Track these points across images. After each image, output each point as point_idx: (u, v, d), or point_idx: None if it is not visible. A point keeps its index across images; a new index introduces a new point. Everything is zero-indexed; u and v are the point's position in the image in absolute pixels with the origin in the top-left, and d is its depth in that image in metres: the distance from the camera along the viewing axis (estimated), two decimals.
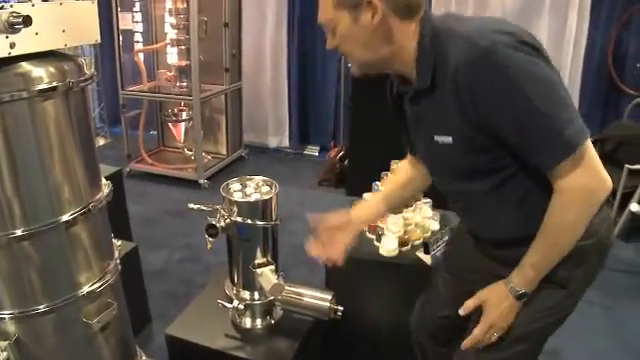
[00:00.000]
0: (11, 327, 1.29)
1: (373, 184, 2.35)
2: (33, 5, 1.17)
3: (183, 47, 4.14)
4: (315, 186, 4.48)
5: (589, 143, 1.10)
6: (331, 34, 1.21)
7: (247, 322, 1.85)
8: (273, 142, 5.22)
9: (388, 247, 2.09)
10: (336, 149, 4.83)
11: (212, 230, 1.64)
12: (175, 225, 3.62)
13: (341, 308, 1.78)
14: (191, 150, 4.49)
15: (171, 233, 3.50)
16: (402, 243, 2.13)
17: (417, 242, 2.15)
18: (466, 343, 1.33)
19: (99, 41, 1.41)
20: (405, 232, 2.14)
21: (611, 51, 4.28)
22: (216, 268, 2.79)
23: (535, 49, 1.07)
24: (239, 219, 1.66)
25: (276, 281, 1.67)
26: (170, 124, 4.44)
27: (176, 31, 4.14)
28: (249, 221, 1.67)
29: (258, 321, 1.85)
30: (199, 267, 3.10)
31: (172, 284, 2.93)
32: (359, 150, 4.10)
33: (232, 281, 1.82)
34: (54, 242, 1.30)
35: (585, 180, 1.11)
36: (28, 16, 1.10)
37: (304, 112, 5.23)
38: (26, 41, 1.16)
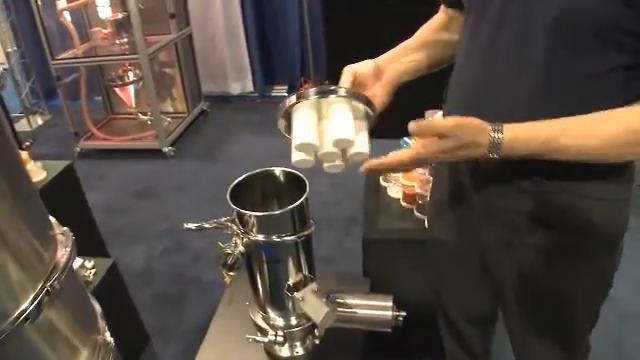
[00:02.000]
0: None
1: (401, 140, 1.87)
2: None
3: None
4: None
5: None
6: None
7: (285, 350, 1.42)
8: (236, 89, 4.69)
9: None
10: (307, 86, 4.35)
11: (230, 261, 1.17)
12: (147, 208, 3.11)
13: (404, 313, 1.37)
14: (146, 114, 3.91)
15: (144, 219, 2.99)
16: None
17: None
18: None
19: None
20: None
21: None
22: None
23: None
24: (261, 237, 1.20)
25: (326, 307, 1.23)
26: (117, 89, 3.81)
27: None
28: (275, 238, 1.20)
29: (298, 346, 1.43)
30: (187, 256, 2.65)
31: (161, 285, 2.48)
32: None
33: (260, 307, 1.38)
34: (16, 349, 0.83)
35: None
36: None
37: (266, 49, 4.66)
38: None
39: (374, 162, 0.94)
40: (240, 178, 1.28)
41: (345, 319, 1.36)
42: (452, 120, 0.87)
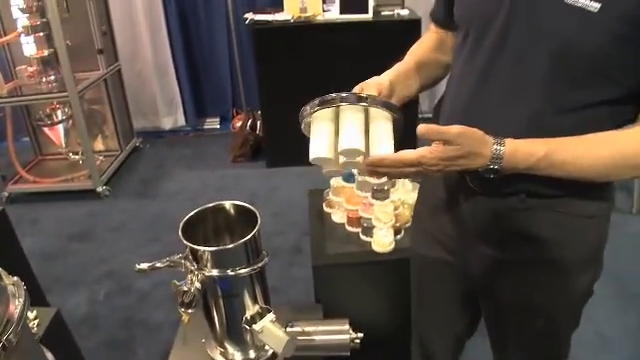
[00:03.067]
0: None
1: (345, 169, 1.92)
2: None
3: (42, 34, 3.36)
4: (229, 164, 4.03)
5: None
6: None
7: None
8: (167, 123, 4.63)
9: (383, 241, 1.73)
10: (240, 117, 4.36)
11: (187, 298, 1.16)
12: (85, 251, 3.00)
13: (360, 335, 1.40)
14: (77, 154, 3.80)
15: (83, 263, 2.88)
16: (395, 232, 1.77)
17: (408, 225, 1.80)
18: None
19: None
20: (396, 218, 1.78)
21: None
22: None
23: None
24: (216, 272, 1.20)
25: (286, 337, 1.24)
26: (45, 128, 3.68)
27: (27, 15, 3.33)
28: (230, 272, 1.21)
29: None
30: (132, 298, 2.58)
31: (107, 330, 2.39)
32: (274, 113, 3.67)
33: (218, 343, 1.37)
34: None
35: None
36: None
37: (196, 82, 4.63)
38: None
39: (377, 156, 0.94)
40: (191, 214, 1.28)
41: (304, 347, 1.36)
42: (457, 128, 0.88)
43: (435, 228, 1.26)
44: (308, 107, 1.02)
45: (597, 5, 0.82)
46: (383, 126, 0.98)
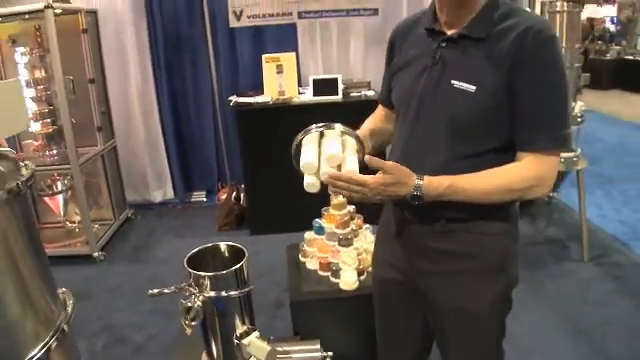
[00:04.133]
0: None
1: (314, 221, 2.30)
2: None
3: (48, 120, 3.77)
4: (215, 232, 4.32)
5: None
6: None
7: None
8: (157, 196, 4.93)
9: (349, 280, 2.07)
10: (225, 190, 4.72)
11: (192, 313, 1.49)
12: (83, 309, 3.25)
13: (330, 353, 1.72)
14: (74, 222, 4.11)
15: (81, 319, 3.14)
16: (359, 273, 2.12)
17: (369, 269, 2.15)
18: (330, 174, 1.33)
19: (29, 127, 1.22)
20: (359, 262, 2.13)
21: None
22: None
23: None
24: (213, 294, 1.54)
25: (268, 347, 1.56)
26: (46, 198, 4.00)
27: (37, 103, 3.74)
28: (224, 294, 1.54)
29: None
30: (129, 349, 2.82)
31: None
32: (257, 186, 4.04)
33: (211, 357, 1.68)
34: None
35: (548, 173, 1.30)
36: None
37: (184, 158, 5.00)
38: None
39: (335, 173, 1.31)
40: (193, 251, 1.63)
41: None
42: (392, 163, 1.29)
43: (388, 254, 1.61)
44: (299, 135, 1.45)
45: (473, 87, 1.27)
46: (351, 152, 1.40)
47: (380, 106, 1.72)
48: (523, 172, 1.30)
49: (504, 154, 1.33)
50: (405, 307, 1.63)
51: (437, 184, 1.29)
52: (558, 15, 3.21)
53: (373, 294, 1.75)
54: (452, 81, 1.31)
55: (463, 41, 1.32)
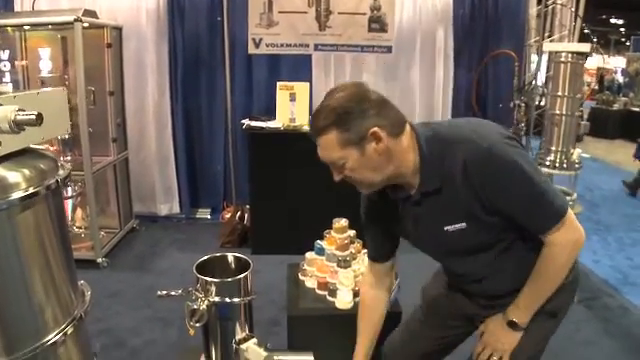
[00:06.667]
0: None
1: (315, 243, 2.41)
2: (14, 97, 1.06)
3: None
4: (218, 248, 4.42)
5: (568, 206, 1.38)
6: (338, 170, 1.36)
7: None
8: (163, 210, 5.04)
9: (345, 300, 2.17)
10: (230, 209, 4.82)
11: (197, 315, 1.59)
12: None
13: None
14: (81, 227, 4.23)
15: None
16: (354, 294, 2.22)
17: None
18: None
19: (70, 131, 1.34)
20: (355, 284, 2.23)
21: (474, 94, 4.86)
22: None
23: (515, 140, 1.35)
24: (217, 299, 1.64)
25: (265, 353, 1.66)
26: None
27: None
28: (228, 300, 1.65)
29: None
30: (126, 352, 2.91)
31: None
32: (262, 208, 4.15)
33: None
34: None
35: (573, 235, 1.37)
36: (40, 114, 1.01)
37: (193, 175, 5.13)
38: (9, 138, 1.03)
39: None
40: (202, 259, 1.74)
41: None
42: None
43: (437, 306, 1.80)
44: None
45: (464, 224, 1.39)
46: None
47: (370, 267, 1.82)
48: (557, 251, 1.38)
49: (523, 234, 1.44)
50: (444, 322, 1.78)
51: (519, 312, 1.48)
52: (562, 65, 3.35)
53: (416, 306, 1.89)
54: (445, 228, 1.41)
55: (423, 197, 1.41)
